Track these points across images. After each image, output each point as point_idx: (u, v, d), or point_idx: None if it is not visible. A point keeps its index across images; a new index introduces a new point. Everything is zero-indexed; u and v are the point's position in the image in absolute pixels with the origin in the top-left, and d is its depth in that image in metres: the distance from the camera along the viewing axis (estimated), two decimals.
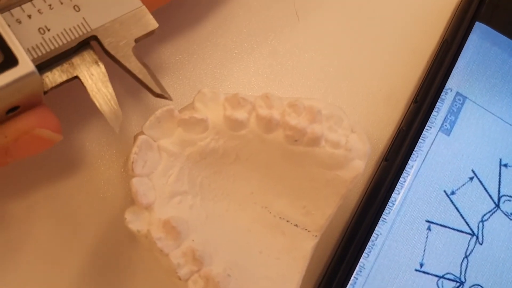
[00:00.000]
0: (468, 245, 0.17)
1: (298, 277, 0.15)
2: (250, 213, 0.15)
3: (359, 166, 0.14)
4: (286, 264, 0.15)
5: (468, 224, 0.17)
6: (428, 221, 0.16)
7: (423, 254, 0.16)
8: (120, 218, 0.13)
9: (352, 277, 0.16)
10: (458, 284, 0.16)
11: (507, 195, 0.17)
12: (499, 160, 0.17)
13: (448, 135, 0.17)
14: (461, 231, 0.17)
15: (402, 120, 0.18)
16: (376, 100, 0.18)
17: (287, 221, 0.15)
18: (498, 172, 0.17)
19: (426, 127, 0.17)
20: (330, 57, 0.18)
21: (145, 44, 0.16)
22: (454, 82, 0.17)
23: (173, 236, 0.13)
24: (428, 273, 0.16)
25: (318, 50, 0.18)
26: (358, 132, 0.15)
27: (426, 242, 0.16)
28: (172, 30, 0.17)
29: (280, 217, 0.15)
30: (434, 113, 0.17)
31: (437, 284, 0.16)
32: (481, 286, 0.16)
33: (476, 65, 0.18)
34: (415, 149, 0.17)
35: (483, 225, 0.17)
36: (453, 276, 0.16)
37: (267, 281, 0.15)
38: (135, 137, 0.14)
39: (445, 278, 0.16)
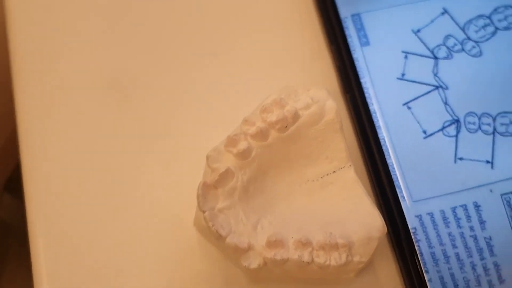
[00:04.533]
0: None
1: (366, 198, 0.19)
2: (301, 192, 0.20)
3: (332, 104, 0.19)
4: (353, 196, 0.19)
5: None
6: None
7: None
8: None
9: None
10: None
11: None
12: (412, 29, 0.22)
13: (369, 44, 0.22)
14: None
15: (335, 62, 0.23)
16: (305, 59, 0.23)
17: (327, 174, 0.20)
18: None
19: (352, 53, 0.22)
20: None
21: None
22: (343, 11, 0.22)
23: (281, 245, 0.18)
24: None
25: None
26: (312, 88, 0.20)
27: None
28: None
29: (321, 177, 0.20)
30: (349, 40, 0.22)
31: None
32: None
33: None
34: (358, 72, 0.22)
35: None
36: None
37: (354, 218, 0.19)
38: (204, 218, 0.18)
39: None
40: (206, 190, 0.18)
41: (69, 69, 0.23)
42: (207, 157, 0.19)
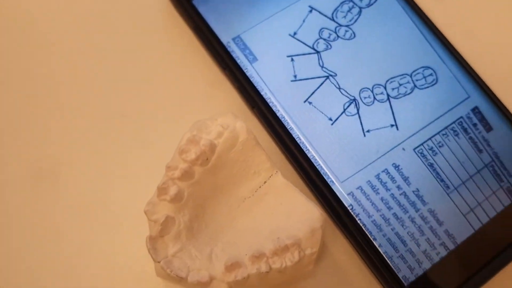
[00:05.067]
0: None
1: (300, 195, 0.21)
2: (242, 212, 0.21)
3: (241, 124, 0.21)
4: (288, 198, 0.21)
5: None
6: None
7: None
8: None
9: None
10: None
11: None
12: (289, 34, 0.24)
13: (257, 59, 0.24)
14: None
15: (233, 84, 0.24)
16: (206, 90, 0.25)
17: (259, 187, 0.21)
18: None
19: (245, 72, 0.24)
20: None
21: None
22: (224, 38, 0.24)
23: (238, 266, 0.19)
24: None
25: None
26: (219, 117, 0.21)
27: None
28: None
29: (255, 192, 0.21)
30: (239, 61, 0.24)
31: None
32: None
33: (214, 13, 0.24)
34: (256, 86, 0.23)
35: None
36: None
37: (294, 217, 0.20)
38: (162, 267, 0.19)
39: None
40: (154, 242, 0.19)
41: None
42: (145, 212, 0.20)
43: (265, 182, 0.22)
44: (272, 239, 0.19)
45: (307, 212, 0.20)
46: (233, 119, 0.21)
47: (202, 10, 0.24)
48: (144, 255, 0.22)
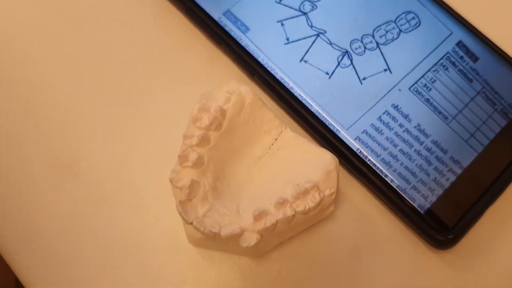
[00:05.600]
0: None
1: (311, 144, 0.22)
2: (260, 169, 0.22)
3: (246, 88, 0.22)
4: (300, 149, 0.22)
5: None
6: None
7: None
8: None
9: None
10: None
11: None
12: (275, 1, 0.26)
13: (250, 29, 0.25)
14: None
15: (230, 57, 0.26)
16: (205, 67, 0.26)
17: (272, 144, 0.23)
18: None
19: (240, 43, 0.25)
20: None
21: None
22: (215, 15, 0.26)
23: (265, 214, 0.20)
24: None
25: None
26: (224, 85, 0.22)
27: None
28: None
29: (268, 149, 0.23)
30: (232, 34, 0.25)
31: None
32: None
33: None
34: (252, 54, 0.25)
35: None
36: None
37: (309, 164, 0.22)
38: (195, 227, 0.20)
39: None
40: (184, 206, 0.20)
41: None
42: (171, 180, 0.21)
43: (276, 139, 0.23)
44: (292, 185, 0.21)
45: (319, 157, 0.22)
46: (237, 85, 0.22)
47: None
48: (175, 225, 0.23)
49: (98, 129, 0.25)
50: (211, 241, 0.21)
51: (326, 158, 0.21)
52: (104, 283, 0.23)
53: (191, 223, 0.20)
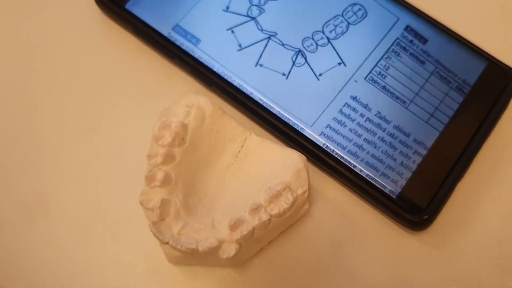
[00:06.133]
0: None
1: (277, 146, 0.22)
2: (230, 178, 0.22)
3: (204, 99, 0.22)
4: (267, 153, 0.22)
5: None
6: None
7: None
8: None
9: None
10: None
11: None
12: (222, 9, 0.26)
13: (201, 41, 0.25)
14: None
15: (185, 69, 0.26)
16: (162, 83, 0.26)
17: (239, 152, 0.23)
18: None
19: (192, 55, 0.25)
20: None
21: None
22: (164, 30, 0.25)
23: (241, 222, 0.20)
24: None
25: None
26: (182, 99, 0.22)
27: None
28: None
29: (236, 157, 0.23)
30: (184, 47, 0.25)
31: None
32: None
33: (148, 11, 0.25)
34: (207, 65, 0.25)
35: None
36: None
37: (278, 166, 0.22)
38: (172, 247, 0.20)
39: None
40: (157, 227, 0.20)
41: None
42: (141, 203, 0.21)
43: (242, 146, 0.23)
44: (263, 190, 0.21)
45: (287, 158, 0.22)
46: (196, 97, 0.22)
47: (137, 12, 0.26)
48: (153, 247, 0.23)
49: (62, 161, 0.25)
50: (191, 257, 0.21)
51: (294, 158, 0.21)
52: None
53: (167, 243, 0.20)
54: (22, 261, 0.23)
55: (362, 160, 0.23)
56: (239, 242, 0.20)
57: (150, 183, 0.21)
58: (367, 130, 0.24)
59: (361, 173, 0.23)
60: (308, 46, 0.25)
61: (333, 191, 0.24)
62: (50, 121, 0.25)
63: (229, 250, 0.20)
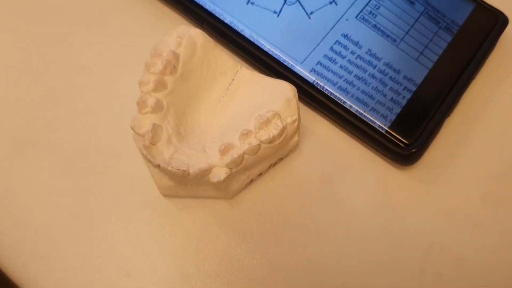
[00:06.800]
0: None
1: (267, 78, 0.22)
2: (221, 110, 0.22)
3: (196, 31, 0.22)
4: (257, 85, 0.22)
5: None
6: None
7: None
8: None
9: None
10: None
11: None
12: None
13: None
14: None
15: (177, 9, 0.25)
16: (152, 23, 0.26)
17: (229, 85, 0.23)
18: None
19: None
20: None
21: None
22: None
23: (231, 147, 0.20)
24: None
25: None
26: (173, 31, 0.22)
27: None
28: None
29: (227, 90, 0.23)
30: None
31: None
32: None
33: None
34: (198, 2, 0.25)
35: None
36: None
37: (268, 96, 0.22)
38: (162, 169, 0.20)
39: None
40: (149, 150, 0.20)
41: None
42: (132, 128, 0.21)
43: (233, 79, 0.23)
44: (254, 118, 0.21)
45: (278, 88, 0.22)
46: (187, 29, 0.22)
47: None
48: (145, 180, 0.23)
49: (54, 97, 0.25)
50: (181, 185, 0.21)
51: (284, 88, 0.22)
52: (81, 249, 0.22)
53: (158, 166, 0.20)
54: (10, 199, 0.23)
55: (352, 96, 0.23)
56: (229, 166, 0.20)
57: (142, 109, 0.21)
58: (357, 67, 0.24)
59: (351, 109, 0.23)
60: None
61: (323, 129, 0.24)
62: (42, 58, 0.25)
63: (220, 174, 0.20)
